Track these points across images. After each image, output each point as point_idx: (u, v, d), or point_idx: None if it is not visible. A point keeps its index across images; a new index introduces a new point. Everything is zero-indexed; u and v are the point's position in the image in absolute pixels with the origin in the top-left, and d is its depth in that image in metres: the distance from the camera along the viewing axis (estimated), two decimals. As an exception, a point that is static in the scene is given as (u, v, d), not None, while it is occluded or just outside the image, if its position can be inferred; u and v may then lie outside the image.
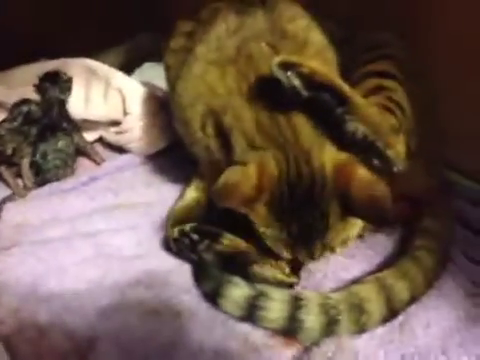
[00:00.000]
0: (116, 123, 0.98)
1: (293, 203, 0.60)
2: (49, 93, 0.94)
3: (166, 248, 0.77)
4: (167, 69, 0.79)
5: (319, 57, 0.65)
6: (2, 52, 0.97)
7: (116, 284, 0.72)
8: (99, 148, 1.03)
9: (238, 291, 0.63)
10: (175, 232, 0.74)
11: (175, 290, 0.70)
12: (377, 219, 0.60)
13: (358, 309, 0.60)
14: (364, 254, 0.72)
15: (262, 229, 0.63)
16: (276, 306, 0.60)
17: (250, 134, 0.63)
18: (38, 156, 0.90)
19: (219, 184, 0.58)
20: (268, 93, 0.62)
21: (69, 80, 0.96)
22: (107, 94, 0.96)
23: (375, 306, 0.61)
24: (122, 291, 0.70)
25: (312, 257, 0.64)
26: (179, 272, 0.73)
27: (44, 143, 0.91)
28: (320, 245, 0.62)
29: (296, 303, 0.60)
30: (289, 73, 0.57)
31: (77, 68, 0.98)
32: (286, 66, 0.57)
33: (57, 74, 0.95)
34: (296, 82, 0.57)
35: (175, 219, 0.79)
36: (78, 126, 0.96)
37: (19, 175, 0.92)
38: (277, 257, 0.66)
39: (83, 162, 0.98)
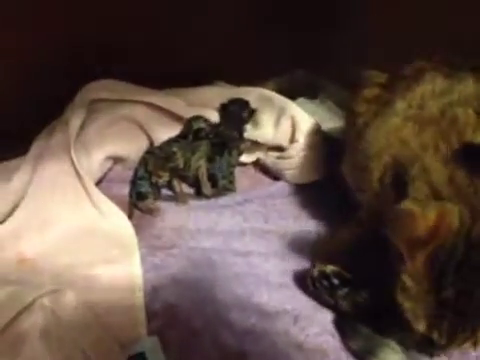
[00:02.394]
0: (278, 148, 1.04)
1: (462, 266, 0.55)
2: (234, 111, 1.03)
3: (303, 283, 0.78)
4: (355, 115, 0.82)
5: None
6: (180, 73, 1.09)
7: (263, 307, 0.76)
8: (251, 171, 1.09)
9: (395, 357, 0.63)
10: (315, 271, 0.75)
11: (321, 329, 0.72)
12: None
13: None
14: None
15: (409, 283, 0.58)
16: (436, 378, 0.59)
17: (438, 186, 0.61)
18: (217, 170, 0.98)
19: (400, 209, 0.57)
20: (471, 159, 0.61)
21: (253, 112, 1.04)
22: (279, 121, 1.02)
23: None
24: (270, 316, 0.74)
25: (450, 340, 0.57)
26: (323, 310, 0.75)
27: (223, 159, 0.99)
28: (470, 330, 0.55)
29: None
30: None
31: (252, 95, 1.06)
32: None
33: (246, 103, 1.04)
34: None
35: (321, 257, 0.80)
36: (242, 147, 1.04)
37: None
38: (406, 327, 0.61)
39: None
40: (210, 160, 1.00)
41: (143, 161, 0.98)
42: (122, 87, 1.02)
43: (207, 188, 0.97)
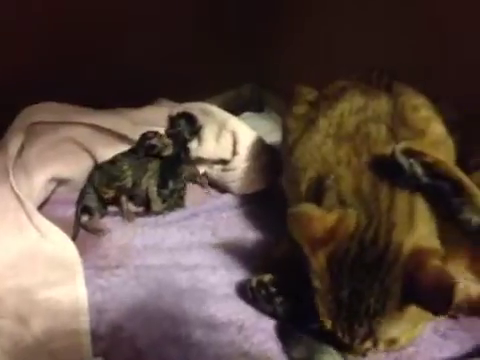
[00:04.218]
0: (222, 161, 1.06)
1: (355, 266, 0.58)
2: (181, 130, 1.05)
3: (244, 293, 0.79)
4: (287, 131, 0.84)
5: (435, 147, 0.67)
6: (128, 91, 1.10)
7: (210, 320, 0.76)
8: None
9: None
10: (254, 281, 0.77)
11: (265, 336, 0.73)
12: (438, 309, 0.55)
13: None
14: (458, 336, 0.71)
15: (315, 282, 0.61)
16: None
17: (344, 194, 0.65)
18: (165, 187, 0.99)
19: (297, 210, 0.61)
20: (379, 171, 0.64)
21: (200, 127, 1.06)
22: (220, 135, 1.05)
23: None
24: (216, 328, 0.75)
25: (353, 339, 0.60)
26: (267, 318, 0.76)
27: (170, 175, 1.00)
28: (366, 327, 0.58)
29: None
30: (412, 160, 0.59)
31: (194, 110, 1.08)
32: (410, 153, 0.59)
33: (193, 117, 1.06)
34: (418, 170, 0.59)
35: (263, 267, 0.81)
36: (192, 160, 1.06)
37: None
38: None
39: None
40: (160, 177, 1.01)
41: (91, 176, 0.98)
42: (63, 109, 1.02)
43: (157, 205, 0.98)
